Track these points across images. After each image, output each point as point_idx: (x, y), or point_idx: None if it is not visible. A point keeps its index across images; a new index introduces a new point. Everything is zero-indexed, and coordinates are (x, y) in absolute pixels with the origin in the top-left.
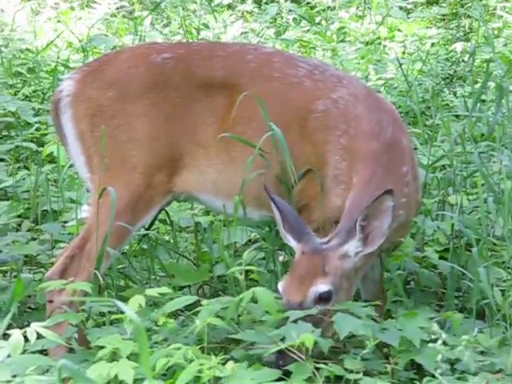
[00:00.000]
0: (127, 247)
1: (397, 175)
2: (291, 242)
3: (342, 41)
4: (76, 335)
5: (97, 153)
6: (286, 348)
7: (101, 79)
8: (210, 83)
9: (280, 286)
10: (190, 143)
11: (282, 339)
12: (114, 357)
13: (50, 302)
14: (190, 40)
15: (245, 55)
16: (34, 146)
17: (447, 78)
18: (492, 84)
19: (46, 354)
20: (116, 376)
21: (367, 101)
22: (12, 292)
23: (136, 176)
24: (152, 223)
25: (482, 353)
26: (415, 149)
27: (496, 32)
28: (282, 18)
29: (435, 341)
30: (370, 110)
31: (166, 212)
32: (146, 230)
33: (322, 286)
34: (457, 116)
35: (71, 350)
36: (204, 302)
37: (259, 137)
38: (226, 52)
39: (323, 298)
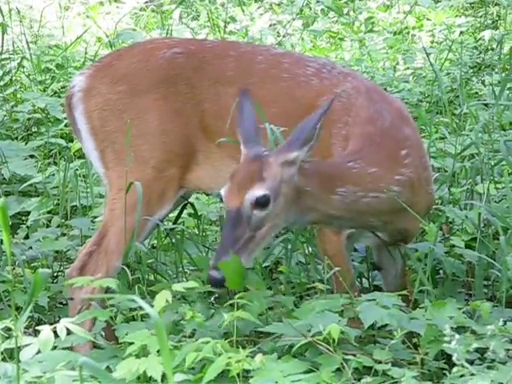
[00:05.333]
0: (155, 241)
1: (391, 154)
2: (241, 144)
3: (370, 31)
4: (102, 331)
5: (109, 148)
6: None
7: (111, 74)
8: (220, 82)
9: (222, 191)
10: (203, 140)
11: (309, 330)
12: (143, 352)
13: (72, 299)
14: (218, 33)
15: (256, 56)
16: (63, 142)
17: (475, 66)
18: None
19: (71, 349)
20: (145, 372)
21: (370, 93)
22: (31, 287)
23: (148, 170)
24: (178, 217)
25: (511, 341)
26: (443, 138)
27: None
28: (310, 9)
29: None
30: (371, 101)
31: (193, 205)
32: (174, 223)
33: (258, 191)
34: (486, 105)
35: (96, 346)
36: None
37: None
38: (238, 52)
39: (260, 203)
